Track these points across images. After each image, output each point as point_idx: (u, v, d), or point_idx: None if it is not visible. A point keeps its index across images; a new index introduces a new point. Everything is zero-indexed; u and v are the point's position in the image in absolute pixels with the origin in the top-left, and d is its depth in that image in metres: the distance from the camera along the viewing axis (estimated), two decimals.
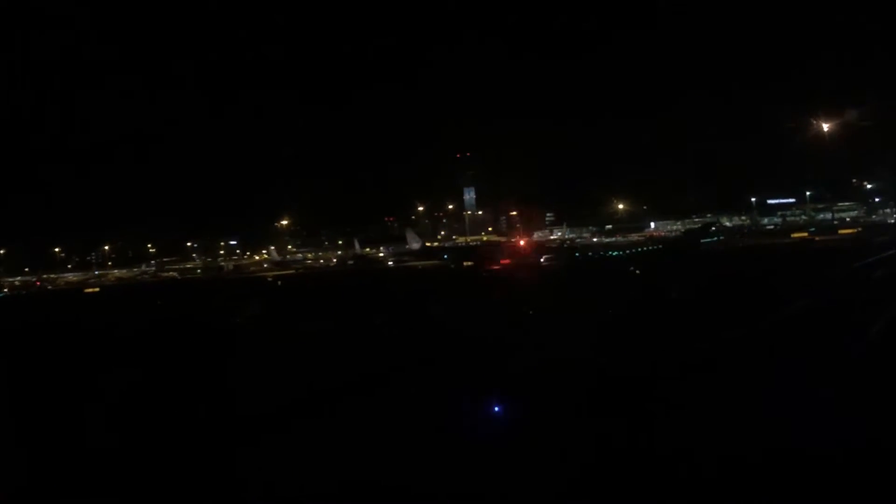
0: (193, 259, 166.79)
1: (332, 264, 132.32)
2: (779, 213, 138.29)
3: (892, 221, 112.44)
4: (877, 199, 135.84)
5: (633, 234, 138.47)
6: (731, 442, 11.12)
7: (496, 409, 14.43)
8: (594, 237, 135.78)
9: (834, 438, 10.68)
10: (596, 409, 13.56)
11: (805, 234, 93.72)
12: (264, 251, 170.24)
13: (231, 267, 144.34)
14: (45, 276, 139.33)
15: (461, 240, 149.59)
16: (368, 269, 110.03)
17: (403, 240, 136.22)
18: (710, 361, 17.07)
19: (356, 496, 10.45)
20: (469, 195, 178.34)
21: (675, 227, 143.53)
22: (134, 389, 18.56)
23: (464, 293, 45.70)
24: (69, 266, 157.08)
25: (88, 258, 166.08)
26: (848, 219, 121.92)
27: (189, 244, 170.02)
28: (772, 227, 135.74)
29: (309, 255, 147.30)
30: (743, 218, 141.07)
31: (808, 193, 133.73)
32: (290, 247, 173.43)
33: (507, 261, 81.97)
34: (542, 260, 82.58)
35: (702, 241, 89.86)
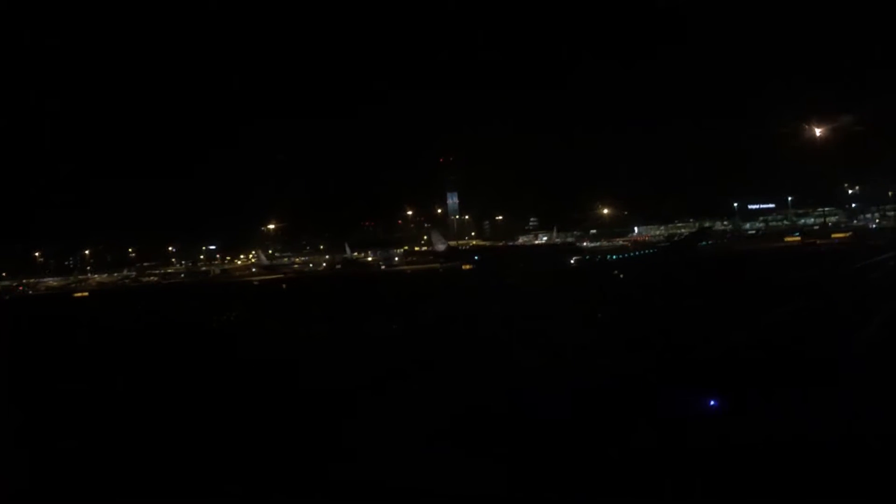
0: (174, 264, 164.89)
1: (320, 269, 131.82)
2: (760, 218, 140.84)
3: (874, 226, 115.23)
4: (853, 205, 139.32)
5: (618, 239, 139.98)
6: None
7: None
8: (582, 241, 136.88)
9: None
10: None
11: (797, 238, 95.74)
12: (251, 255, 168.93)
13: (217, 271, 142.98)
14: (24, 280, 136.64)
15: (453, 244, 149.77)
16: (360, 273, 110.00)
17: (391, 244, 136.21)
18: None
19: None
20: (452, 200, 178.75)
21: (658, 232, 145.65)
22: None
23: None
24: (46, 271, 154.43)
25: (66, 263, 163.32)
26: (830, 223, 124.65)
27: (170, 249, 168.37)
28: (753, 231, 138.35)
29: (297, 260, 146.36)
30: (725, 223, 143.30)
31: (789, 199, 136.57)
32: (270, 251, 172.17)
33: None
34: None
35: (699, 244, 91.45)
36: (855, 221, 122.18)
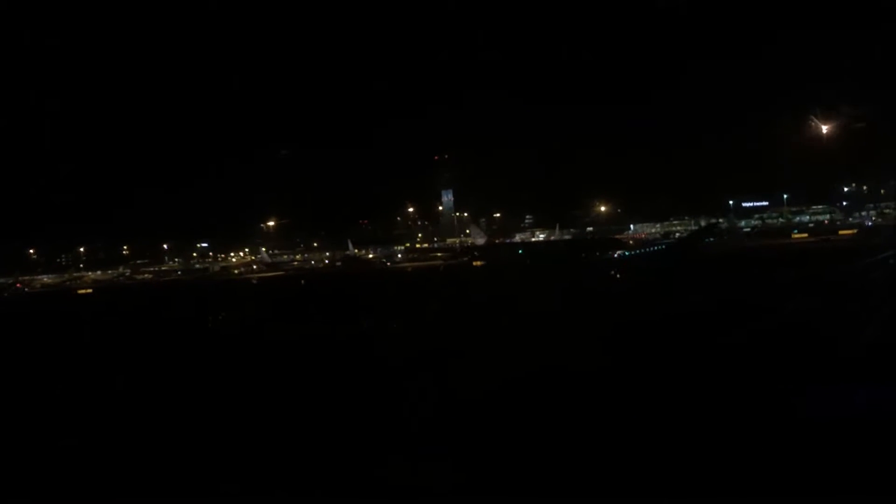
0: (167, 262, 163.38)
1: (321, 266, 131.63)
2: (756, 215, 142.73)
3: (870, 223, 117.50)
4: (845, 203, 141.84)
5: (616, 237, 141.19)
6: None
7: None
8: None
9: None
10: None
11: (805, 235, 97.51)
12: (242, 253, 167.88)
13: (217, 269, 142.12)
14: (20, 278, 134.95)
15: (451, 241, 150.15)
16: (364, 269, 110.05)
17: (393, 241, 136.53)
18: None
19: None
20: (447, 197, 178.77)
21: (655, 230, 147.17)
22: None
23: None
24: (38, 269, 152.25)
25: (58, 260, 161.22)
26: (826, 221, 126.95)
27: (164, 247, 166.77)
28: (748, 229, 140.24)
29: (297, 257, 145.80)
30: (721, 220, 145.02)
31: (784, 196, 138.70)
32: (263, 249, 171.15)
33: None
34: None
35: (705, 241, 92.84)
36: (850, 219, 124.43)
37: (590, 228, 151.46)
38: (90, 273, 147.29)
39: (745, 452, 10.59)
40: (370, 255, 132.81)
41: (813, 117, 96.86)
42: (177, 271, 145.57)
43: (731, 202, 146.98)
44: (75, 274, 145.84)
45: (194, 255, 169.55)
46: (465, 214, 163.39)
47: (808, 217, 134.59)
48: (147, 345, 29.44)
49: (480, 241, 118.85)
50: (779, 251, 65.58)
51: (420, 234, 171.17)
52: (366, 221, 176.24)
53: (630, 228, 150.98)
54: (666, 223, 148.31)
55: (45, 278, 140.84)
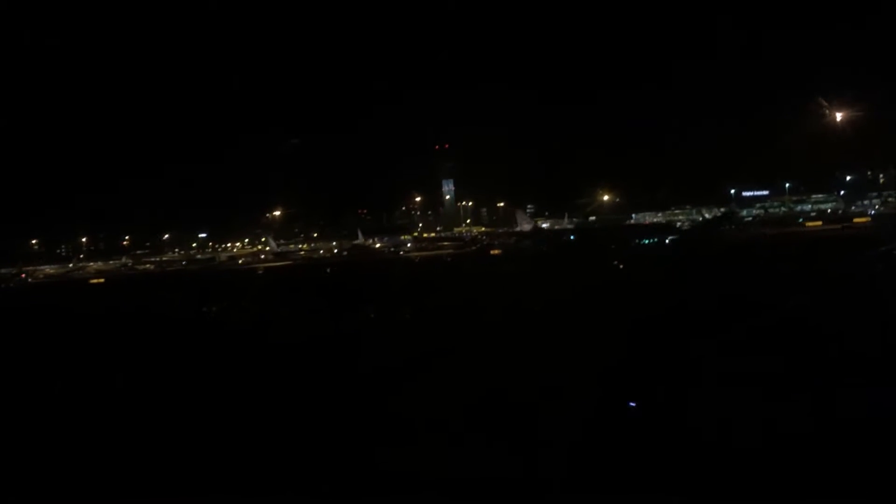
0: (169, 252, 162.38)
1: (329, 255, 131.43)
2: (757, 204, 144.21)
3: (872, 212, 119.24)
4: (842, 192, 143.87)
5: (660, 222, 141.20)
6: None
7: None
8: None
9: None
10: None
11: (819, 223, 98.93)
12: (240, 243, 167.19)
13: (224, 258, 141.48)
14: (24, 268, 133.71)
15: (458, 230, 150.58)
16: (372, 259, 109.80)
17: (399, 230, 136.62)
18: None
19: None
20: (448, 187, 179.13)
21: (657, 219, 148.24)
22: None
23: None
24: (38, 259, 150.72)
25: (58, 251, 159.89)
26: (829, 210, 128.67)
27: (165, 237, 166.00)
28: (750, 218, 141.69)
29: (303, 246, 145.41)
30: (722, 209, 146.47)
31: (787, 185, 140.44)
32: (263, 239, 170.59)
33: None
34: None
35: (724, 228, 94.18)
36: (853, 208, 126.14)
37: (592, 218, 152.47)
38: (92, 263, 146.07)
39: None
40: (377, 245, 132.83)
41: (813, 107, 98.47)
42: (181, 262, 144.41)
43: (732, 191, 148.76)
44: (79, 264, 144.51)
45: (194, 245, 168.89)
46: (470, 203, 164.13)
47: (809, 206, 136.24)
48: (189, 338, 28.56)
49: (527, 226, 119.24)
50: (810, 238, 65.80)
51: (420, 224, 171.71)
52: (364, 211, 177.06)
53: (632, 218, 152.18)
54: (668, 212, 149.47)
55: (48, 269, 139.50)
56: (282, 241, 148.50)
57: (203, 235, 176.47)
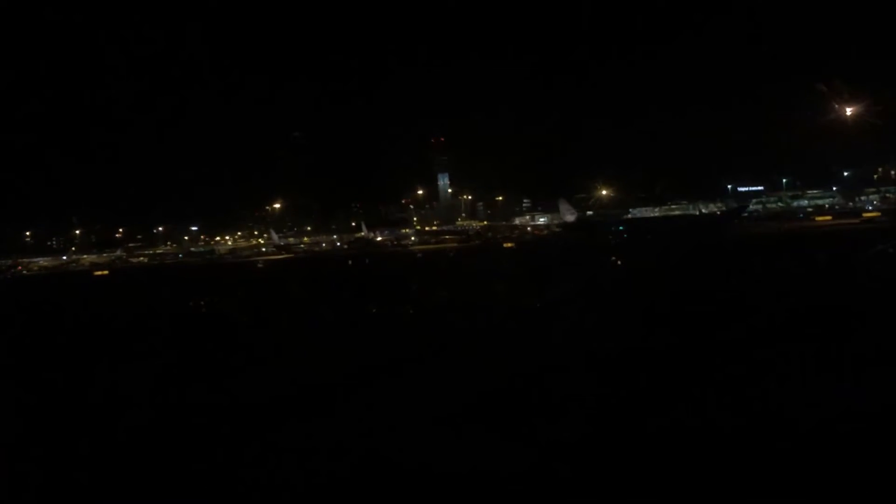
0: (161, 244, 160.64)
1: (333, 248, 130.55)
2: (754, 200, 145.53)
3: (871, 207, 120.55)
4: (835, 188, 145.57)
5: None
6: None
7: None
8: None
9: None
10: None
11: (829, 218, 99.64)
12: (233, 236, 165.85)
13: (224, 251, 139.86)
14: (19, 260, 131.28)
15: (460, 223, 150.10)
16: (376, 252, 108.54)
17: (400, 224, 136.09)
18: None
19: None
20: (443, 181, 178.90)
21: (654, 214, 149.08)
22: None
23: None
24: (30, 252, 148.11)
25: (49, 244, 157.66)
26: (826, 205, 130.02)
27: (159, 229, 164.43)
28: (746, 214, 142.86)
29: (304, 239, 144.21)
30: (719, 205, 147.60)
31: (784, 181, 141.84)
32: (256, 232, 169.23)
33: None
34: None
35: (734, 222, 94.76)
36: (851, 204, 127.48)
37: (590, 212, 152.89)
38: (86, 256, 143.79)
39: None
40: (379, 238, 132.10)
41: (808, 103, 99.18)
42: (177, 254, 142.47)
43: (728, 187, 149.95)
44: (73, 257, 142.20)
45: (186, 238, 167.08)
46: (469, 197, 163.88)
47: (806, 202, 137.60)
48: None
49: (570, 217, 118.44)
50: (836, 233, 64.70)
51: (415, 218, 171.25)
52: (359, 205, 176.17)
53: (629, 213, 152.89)
54: (664, 207, 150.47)
55: (42, 261, 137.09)
56: (282, 234, 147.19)
57: (195, 228, 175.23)
